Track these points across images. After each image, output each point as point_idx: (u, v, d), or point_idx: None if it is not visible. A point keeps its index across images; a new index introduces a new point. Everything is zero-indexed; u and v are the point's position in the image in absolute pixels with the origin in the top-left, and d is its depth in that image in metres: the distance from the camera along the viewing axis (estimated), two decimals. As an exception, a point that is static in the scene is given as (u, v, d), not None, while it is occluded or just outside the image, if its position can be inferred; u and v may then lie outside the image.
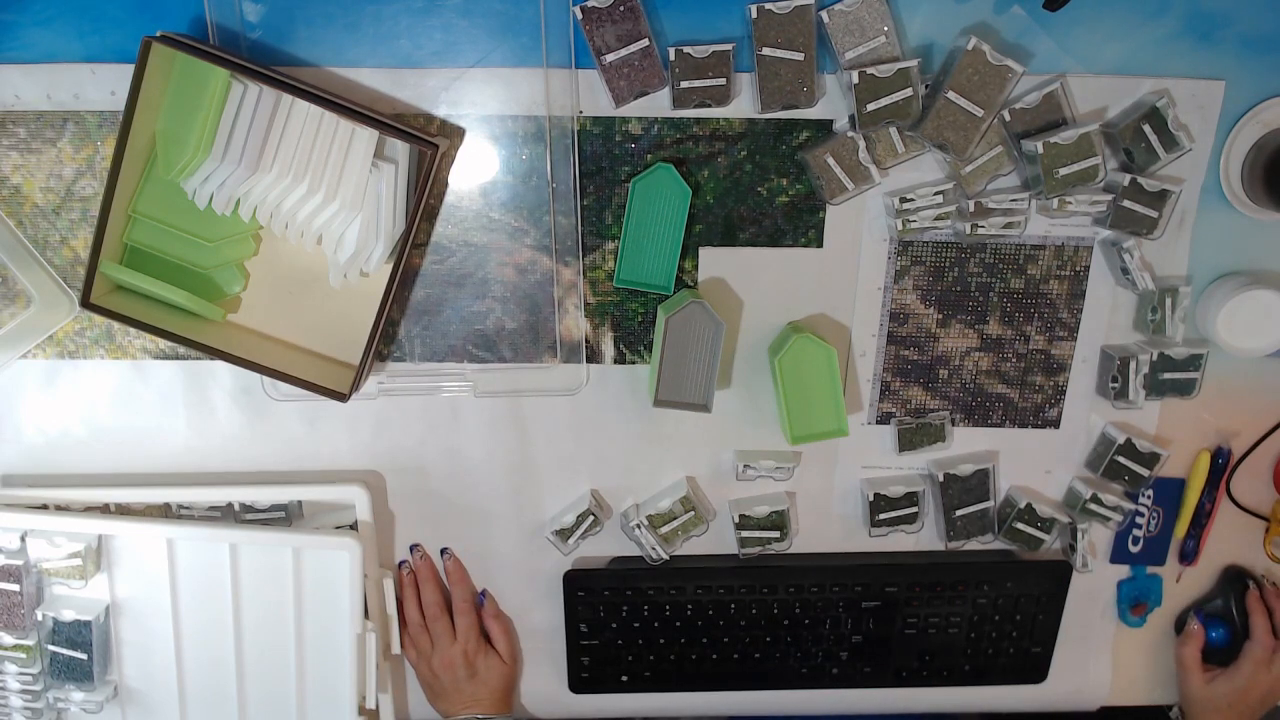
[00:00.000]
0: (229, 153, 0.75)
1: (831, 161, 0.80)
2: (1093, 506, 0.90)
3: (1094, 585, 0.97)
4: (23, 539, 0.86)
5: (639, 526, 0.89)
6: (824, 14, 0.75)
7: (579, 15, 0.75)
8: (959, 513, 0.91)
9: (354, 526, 0.89)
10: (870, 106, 0.76)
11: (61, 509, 0.87)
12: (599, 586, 0.93)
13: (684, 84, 0.77)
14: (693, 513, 0.90)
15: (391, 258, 0.79)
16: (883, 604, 0.94)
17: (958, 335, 0.88)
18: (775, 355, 0.82)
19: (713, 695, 0.99)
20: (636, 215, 0.81)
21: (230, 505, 0.89)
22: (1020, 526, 0.91)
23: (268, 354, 0.82)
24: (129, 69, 0.70)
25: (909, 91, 0.76)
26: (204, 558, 0.87)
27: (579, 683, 0.98)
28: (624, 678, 0.97)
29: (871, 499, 0.90)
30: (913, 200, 0.81)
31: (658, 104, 0.79)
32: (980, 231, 0.81)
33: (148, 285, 0.79)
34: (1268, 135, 0.81)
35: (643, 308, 0.86)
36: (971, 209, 0.81)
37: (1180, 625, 0.98)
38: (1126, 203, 0.80)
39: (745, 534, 0.91)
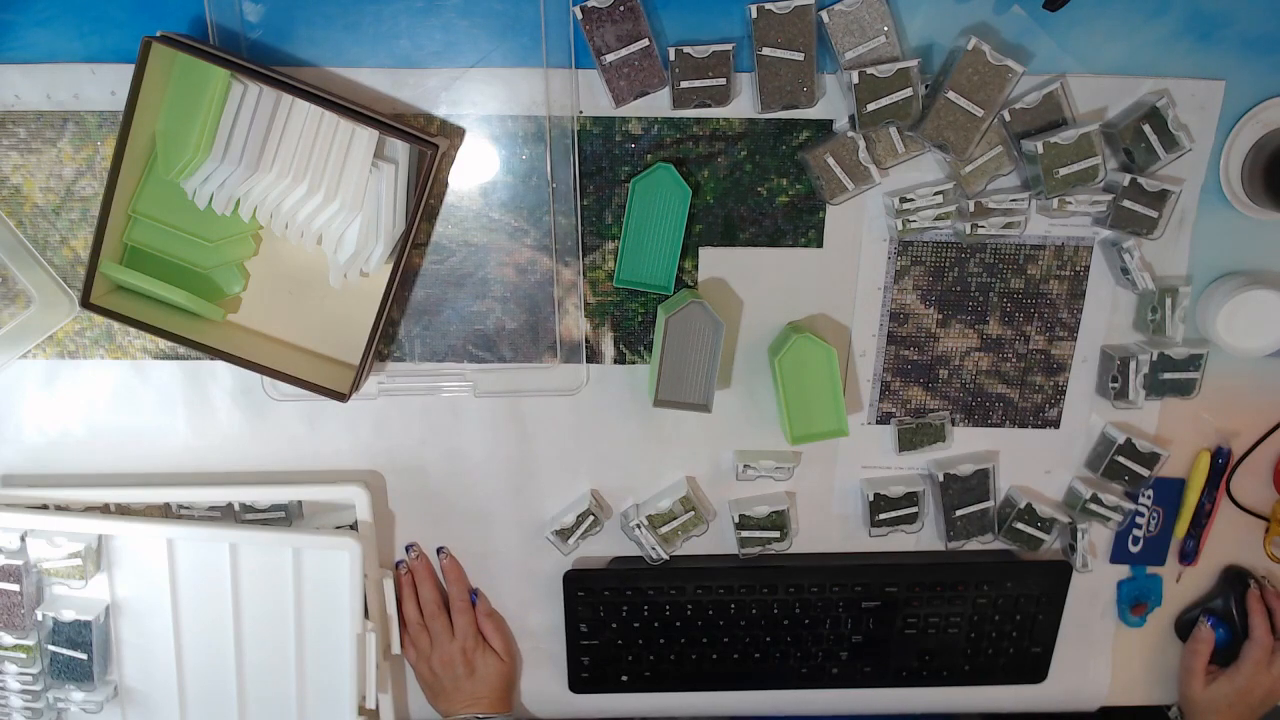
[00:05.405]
0: (229, 153, 0.75)
1: (831, 161, 0.80)
2: (1093, 506, 0.90)
3: (1094, 585, 0.97)
4: (23, 539, 0.86)
5: (639, 526, 0.89)
6: (824, 14, 0.75)
7: (579, 15, 0.75)
8: (959, 513, 0.91)
9: (354, 526, 0.89)
10: (870, 106, 0.76)
11: (61, 509, 0.87)
12: (599, 586, 0.93)
13: (684, 84, 0.77)
14: (693, 513, 0.90)
15: (391, 258, 0.79)
16: (883, 604, 0.94)
17: (958, 335, 0.88)
18: (775, 355, 0.82)
19: (713, 695, 0.99)
20: (636, 215, 0.81)
21: (230, 505, 0.89)
22: (1020, 526, 0.91)
23: (268, 354, 0.82)
24: (129, 69, 0.70)
25: (909, 91, 0.76)
26: (204, 558, 0.87)
27: (579, 683, 0.98)
28: (624, 678, 0.97)
29: (871, 499, 0.90)
30: (913, 200, 0.81)
31: (658, 104, 0.79)
32: (980, 231, 0.81)
33: (148, 285, 0.79)
34: (1268, 135, 0.81)
35: (643, 308, 0.86)
36: (971, 209, 0.81)
37: (1180, 626, 0.98)
38: (1126, 203, 0.80)
39: (745, 534, 0.91)
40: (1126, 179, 0.79)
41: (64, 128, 0.79)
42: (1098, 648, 1.00)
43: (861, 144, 0.79)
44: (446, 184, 0.81)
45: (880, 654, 0.97)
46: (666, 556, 0.91)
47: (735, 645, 0.96)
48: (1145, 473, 0.88)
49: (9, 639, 0.88)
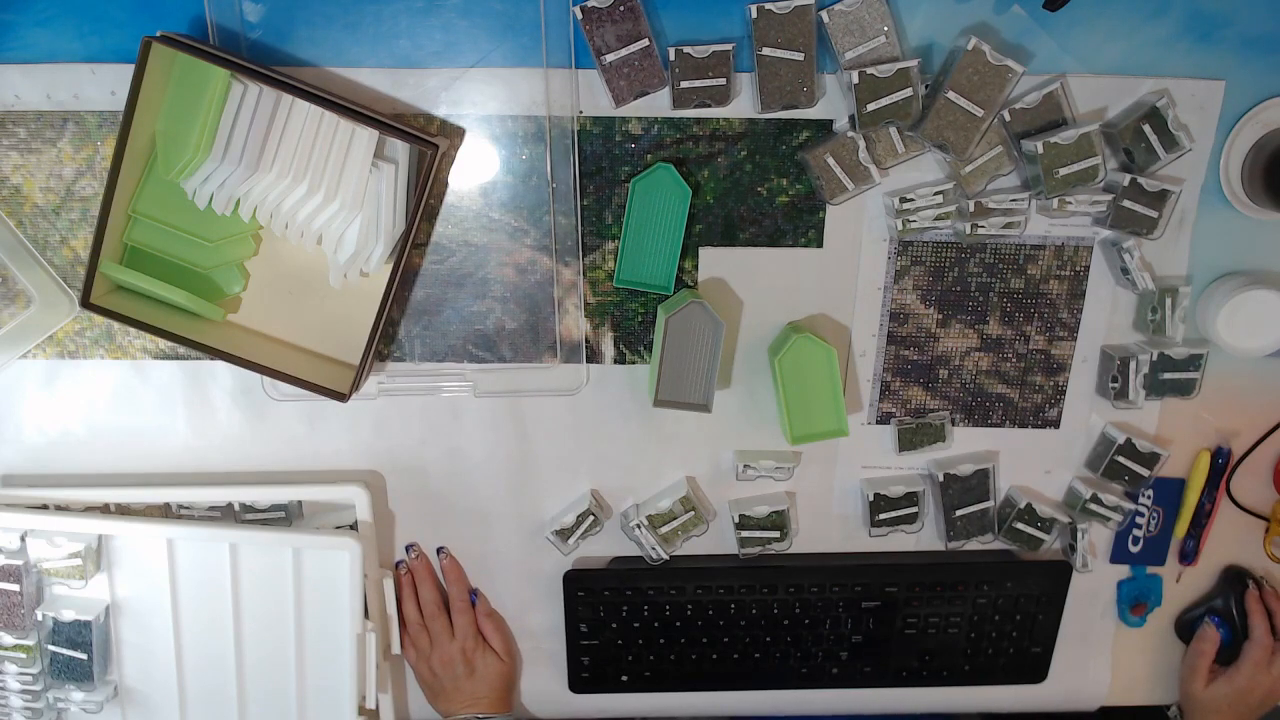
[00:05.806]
0: (229, 153, 0.75)
1: (831, 161, 0.80)
2: (1093, 506, 0.90)
3: (1094, 585, 0.97)
4: (23, 539, 0.86)
5: (639, 526, 0.89)
6: (824, 14, 0.75)
7: (579, 15, 0.75)
8: (959, 513, 0.91)
9: (354, 526, 0.89)
10: (870, 106, 0.76)
11: (61, 509, 0.87)
12: (599, 586, 0.93)
13: (684, 84, 0.77)
14: (693, 513, 0.90)
15: (391, 258, 0.79)
16: (883, 604, 0.94)
17: (958, 335, 0.88)
18: (775, 355, 0.82)
19: (713, 695, 0.99)
20: (636, 215, 0.81)
21: (230, 505, 0.89)
22: (1020, 526, 0.91)
23: (268, 354, 0.82)
24: (129, 69, 0.70)
25: (909, 91, 0.76)
26: (204, 558, 0.87)
27: (579, 683, 0.98)
28: (624, 678, 0.97)
29: (871, 499, 0.90)
30: (913, 200, 0.81)
31: (658, 104, 0.79)
32: (980, 231, 0.81)
33: (148, 285, 0.79)
34: (1268, 135, 0.81)
35: (643, 308, 0.86)
36: (971, 209, 0.81)
37: (1180, 626, 0.98)
38: (1126, 203, 0.80)
39: (745, 534, 0.91)
40: (1126, 179, 0.79)
41: (64, 128, 0.79)
42: (1098, 648, 1.00)
43: (861, 144, 0.79)
44: (446, 184, 0.81)
45: (880, 654, 0.97)
46: (666, 556, 0.91)
47: (735, 645, 0.96)
48: (1145, 473, 0.88)
49: (9, 639, 0.88)
